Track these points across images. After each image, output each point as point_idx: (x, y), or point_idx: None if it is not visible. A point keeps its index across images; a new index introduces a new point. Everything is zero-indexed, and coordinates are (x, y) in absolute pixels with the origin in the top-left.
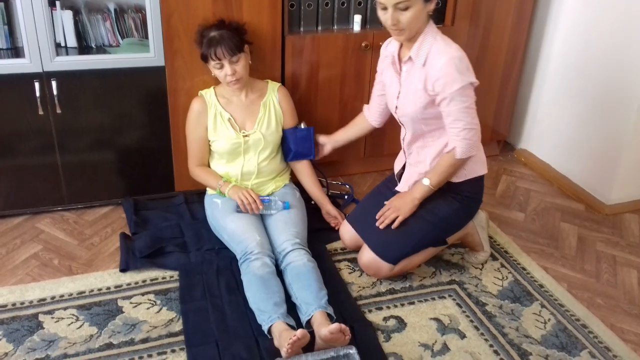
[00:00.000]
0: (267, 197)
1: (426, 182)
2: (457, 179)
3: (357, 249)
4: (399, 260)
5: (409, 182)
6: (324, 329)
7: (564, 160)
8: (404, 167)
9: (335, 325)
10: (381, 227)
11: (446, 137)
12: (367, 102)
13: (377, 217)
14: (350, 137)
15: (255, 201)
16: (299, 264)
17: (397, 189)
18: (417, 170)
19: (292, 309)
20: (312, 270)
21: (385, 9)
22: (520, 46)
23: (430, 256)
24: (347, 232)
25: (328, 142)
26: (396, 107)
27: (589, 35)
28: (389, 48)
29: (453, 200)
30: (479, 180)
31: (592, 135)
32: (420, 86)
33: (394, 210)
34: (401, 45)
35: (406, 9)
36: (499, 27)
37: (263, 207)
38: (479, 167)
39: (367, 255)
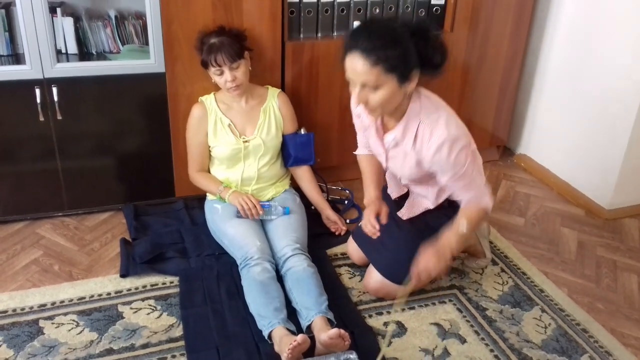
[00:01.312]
0: (267, 203)
1: (462, 227)
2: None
3: (365, 265)
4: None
5: (414, 211)
6: (324, 334)
7: (563, 165)
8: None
9: (335, 331)
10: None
11: None
12: None
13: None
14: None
15: (255, 207)
16: (299, 269)
17: (399, 214)
18: (422, 203)
19: (292, 314)
20: (313, 275)
21: (354, 84)
22: (519, 51)
23: None
24: (356, 251)
25: (378, 201)
26: (386, 166)
27: (587, 40)
28: (360, 109)
29: (454, 216)
30: None
31: (592, 139)
32: (413, 163)
33: (428, 270)
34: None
35: (376, 88)
36: (498, 33)
37: (263, 213)
38: None
39: (375, 279)
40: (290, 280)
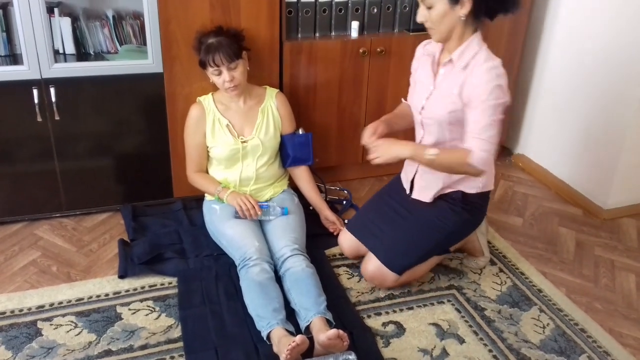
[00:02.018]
0: (266, 203)
1: (432, 151)
2: (471, 190)
3: (355, 258)
4: (405, 270)
5: (429, 191)
6: (322, 334)
7: (561, 165)
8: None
9: (333, 331)
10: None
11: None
12: (365, 108)
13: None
14: (403, 126)
15: (253, 207)
16: (298, 269)
17: (413, 197)
18: (434, 178)
19: (291, 314)
20: (311, 275)
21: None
22: (517, 52)
23: (432, 265)
24: (347, 240)
25: (384, 124)
26: (422, 107)
27: (584, 40)
28: (427, 47)
29: (463, 211)
30: (488, 194)
31: (590, 139)
32: (456, 91)
33: (377, 150)
34: (442, 49)
35: (430, 7)
36: (496, 33)
37: (262, 213)
38: (491, 182)
39: (372, 265)
40: (288, 280)
